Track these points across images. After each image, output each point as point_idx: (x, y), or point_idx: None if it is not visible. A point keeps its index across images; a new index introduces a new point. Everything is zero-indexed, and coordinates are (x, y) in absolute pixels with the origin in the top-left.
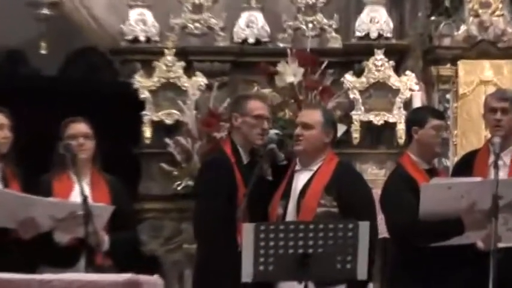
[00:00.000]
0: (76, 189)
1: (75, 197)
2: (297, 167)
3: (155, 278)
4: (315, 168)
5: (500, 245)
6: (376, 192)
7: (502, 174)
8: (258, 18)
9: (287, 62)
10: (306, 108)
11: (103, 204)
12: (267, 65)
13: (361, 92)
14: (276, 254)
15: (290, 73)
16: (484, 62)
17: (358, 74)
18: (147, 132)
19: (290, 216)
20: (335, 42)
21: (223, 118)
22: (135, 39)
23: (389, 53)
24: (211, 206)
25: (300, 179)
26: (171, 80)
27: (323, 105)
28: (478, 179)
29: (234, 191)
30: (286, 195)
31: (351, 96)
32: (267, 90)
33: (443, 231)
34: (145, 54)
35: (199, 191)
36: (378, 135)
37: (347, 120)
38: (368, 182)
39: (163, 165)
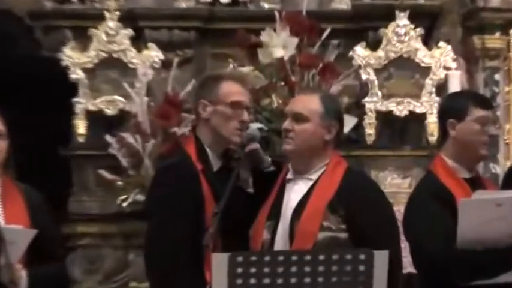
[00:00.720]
0: None
1: None
2: (289, 175)
3: None
4: (314, 177)
5: None
6: (399, 210)
7: None
8: None
9: (274, 30)
10: (299, 93)
11: (19, 227)
12: (247, 33)
13: (377, 72)
14: None
15: (279, 45)
16: None
17: (373, 46)
18: (81, 126)
19: (280, 243)
20: (341, 1)
21: (186, 107)
22: None
23: (416, 17)
24: (168, 231)
25: (294, 192)
26: (114, 55)
27: (324, 89)
28: None
29: (200, 209)
30: (275, 215)
31: (364, 77)
32: (246, 69)
33: (489, 265)
34: (78, 19)
35: (152, 210)
36: (401, 132)
37: (358, 110)
38: (387, 196)
39: (103, 172)
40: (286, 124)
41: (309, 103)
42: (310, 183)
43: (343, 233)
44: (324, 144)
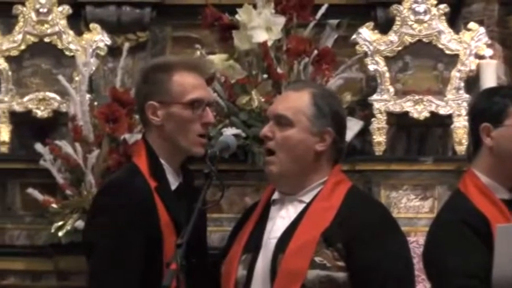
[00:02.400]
0: None
1: None
2: (275, 196)
3: None
4: (307, 199)
5: None
6: (417, 241)
7: None
8: None
9: (254, 6)
10: (287, 88)
11: None
12: (218, 11)
13: (389, 61)
14: None
15: (260, 26)
16: None
17: (384, 27)
18: (4, 132)
19: (258, 282)
20: None
21: None
22: None
23: None
24: (114, 269)
25: (280, 217)
26: (46, 39)
27: (319, 83)
28: None
29: (155, 239)
30: (254, 245)
31: (371, 67)
32: (218, 57)
33: None
34: None
35: (93, 241)
36: (420, 139)
37: (364, 111)
38: (401, 224)
39: (33, 191)
40: (266, 130)
41: (296, 102)
42: (302, 206)
43: (341, 272)
44: (317, 157)
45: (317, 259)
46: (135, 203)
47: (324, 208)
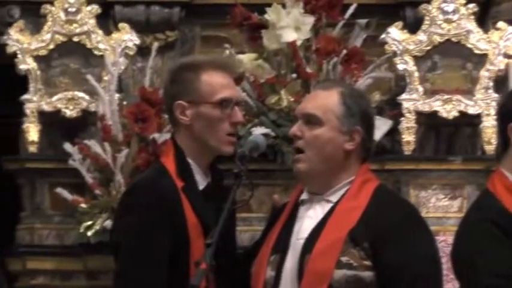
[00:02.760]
0: None
1: None
2: (304, 196)
3: None
4: (334, 198)
5: None
6: (445, 241)
7: None
8: None
9: (283, 6)
10: (315, 87)
11: None
12: (247, 10)
13: (418, 60)
14: None
15: (290, 25)
16: None
17: (413, 27)
18: (32, 132)
19: (287, 282)
20: None
21: None
22: None
23: None
24: (141, 269)
25: (308, 218)
26: (75, 39)
27: (348, 83)
28: None
29: (182, 239)
30: (282, 246)
31: (400, 67)
32: (247, 57)
33: None
34: None
35: (120, 242)
36: (449, 139)
37: (393, 110)
38: (430, 223)
39: (62, 191)
40: (295, 129)
41: (325, 101)
42: (329, 206)
43: (368, 272)
44: (346, 156)
45: (343, 259)
46: (162, 203)
47: (351, 208)
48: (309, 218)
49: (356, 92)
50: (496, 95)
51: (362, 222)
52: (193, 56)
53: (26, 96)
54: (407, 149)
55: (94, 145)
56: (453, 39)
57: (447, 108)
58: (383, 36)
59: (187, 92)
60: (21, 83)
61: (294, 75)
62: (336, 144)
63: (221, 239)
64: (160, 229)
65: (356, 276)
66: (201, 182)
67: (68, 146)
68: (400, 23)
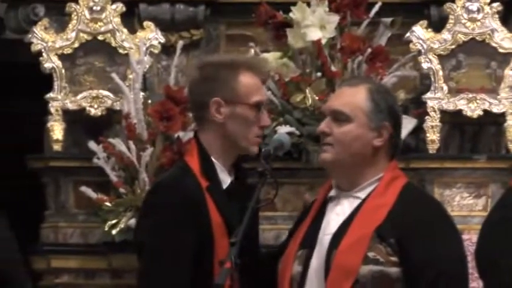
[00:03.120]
0: None
1: None
2: (332, 192)
3: None
4: (362, 195)
5: None
6: (470, 239)
7: None
8: None
9: (308, 4)
10: (342, 85)
11: None
12: (272, 9)
13: (442, 59)
14: None
15: (315, 23)
16: None
17: (437, 26)
18: (57, 131)
19: (313, 278)
20: None
21: None
22: None
23: None
24: (165, 268)
25: (336, 214)
26: (100, 37)
27: (373, 80)
28: None
29: (206, 238)
30: (310, 242)
31: (425, 66)
32: (271, 55)
33: None
34: None
35: (144, 241)
36: (473, 137)
37: (418, 109)
38: (455, 219)
39: (86, 190)
40: (323, 126)
41: (353, 97)
42: (357, 202)
43: (394, 268)
44: (374, 152)
45: (370, 254)
46: (186, 202)
47: (378, 205)
48: (336, 214)
49: (383, 88)
50: None
51: (389, 219)
52: (223, 55)
53: (50, 95)
54: (432, 148)
55: (119, 143)
56: (477, 38)
57: (471, 107)
58: (408, 34)
59: (224, 90)
60: (46, 81)
61: (319, 74)
62: (365, 141)
63: (245, 237)
64: (184, 228)
65: (382, 272)
66: (225, 181)
67: (92, 145)
68: (424, 22)
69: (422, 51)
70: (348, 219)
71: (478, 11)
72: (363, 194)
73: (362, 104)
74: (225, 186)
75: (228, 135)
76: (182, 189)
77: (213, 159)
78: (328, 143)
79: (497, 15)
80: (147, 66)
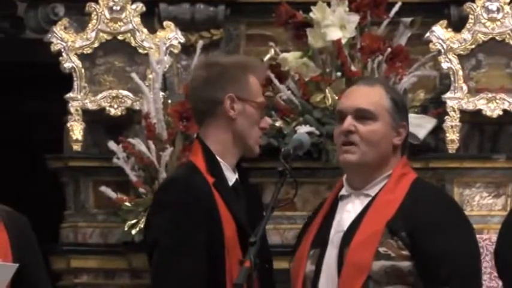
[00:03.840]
0: None
1: None
2: (344, 191)
3: None
4: (372, 192)
5: None
6: (489, 239)
7: None
8: None
9: (328, 4)
10: (358, 83)
11: None
12: (292, 8)
13: (462, 59)
14: None
15: (335, 23)
16: None
17: (457, 25)
18: (76, 130)
19: (327, 276)
20: None
21: None
22: None
23: None
24: (178, 265)
25: (347, 212)
26: (120, 37)
27: (384, 80)
28: None
29: (216, 234)
30: (322, 240)
31: (445, 65)
32: (291, 55)
33: None
34: None
35: (156, 242)
36: (493, 137)
37: (437, 108)
38: (474, 221)
39: (106, 189)
40: (348, 124)
41: (374, 96)
42: (368, 199)
43: (406, 261)
44: (394, 151)
45: (381, 250)
46: (195, 199)
47: (388, 200)
48: (347, 212)
49: (394, 87)
50: None
51: (400, 213)
52: (226, 56)
53: (70, 95)
54: (452, 148)
55: (138, 143)
56: (497, 37)
57: (491, 107)
58: (427, 34)
59: (237, 87)
60: (66, 81)
61: (339, 74)
62: (389, 139)
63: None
64: (197, 225)
65: (394, 267)
66: (230, 179)
67: (112, 144)
68: (444, 22)
69: (442, 51)
70: (359, 216)
71: (498, 10)
72: (373, 191)
73: (385, 103)
74: (230, 183)
75: (237, 131)
76: (192, 186)
77: (217, 157)
78: (353, 142)
79: None
80: (167, 66)
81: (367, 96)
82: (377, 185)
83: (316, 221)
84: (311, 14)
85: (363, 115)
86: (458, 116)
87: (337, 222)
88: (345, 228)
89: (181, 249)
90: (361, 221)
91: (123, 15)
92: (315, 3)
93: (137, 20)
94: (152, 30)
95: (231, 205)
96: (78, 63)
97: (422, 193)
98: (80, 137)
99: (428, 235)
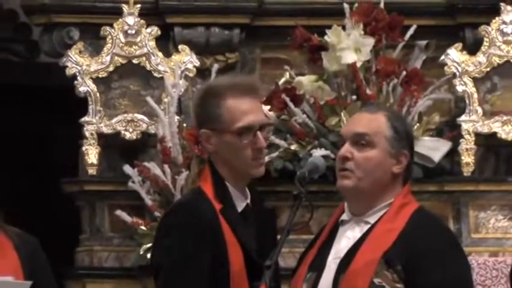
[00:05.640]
0: None
1: None
2: (344, 216)
3: None
4: (372, 220)
5: None
6: (504, 261)
7: None
8: None
9: (343, 28)
10: (361, 110)
11: (10, 279)
12: (307, 32)
13: (477, 82)
14: None
15: (350, 46)
16: None
17: (472, 48)
18: (92, 154)
19: None
20: None
21: None
22: None
23: None
24: None
25: (346, 238)
26: (135, 61)
27: (389, 108)
28: None
29: (220, 260)
30: (319, 264)
31: (460, 88)
32: (306, 78)
33: None
34: (88, 14)
35: (160, 265)
36: (508, 160)
37: (452, 132)
38: (489, 244)
39: (121, 213)
40: (344, 151)
41: (374, 123)
42: (367, 227)
43: None
44: (392, 179)
45: (376, 280)
46: (202, 222)
47: (387, 230)
48: (346, 238)
49: (399, 116)
50: None
51: (397, 244)
52: (218, 79)
53: (85, 119)
54: (467, 170)
55: (154, 167)
56: None
57: (506, 130)
58: (442, 57)
59: (211, 120)
60: (81, 105)
61: (354, 97)
62: (385, 167)
63: (264, 260)
64: (201, 248)
65: None
66: (240, 204)
67: (127, 168)
68: (459, 45)
69: (457, 73)
70: (357, 243)
71: None
72: (372, 219)
73: (384, 130)
74: (239, 209)
75: (224, 162)
76: (197, 210)
77: (225, 182)
78: (348, 168)
79: None
80: (182, 89)
81: (367, 123)
82: (377, 213)
83: (315, 245)
84: (326, 38)
85: (360, 141)
86: (473, 138)
87: (335, 248)
88: (342, 254)
89: (184, 272)
90: (358, 249)
91: (138, 39)
92: (330, 27)
93: (152, 43)
94: (167, 54)
95: (238, 231)
96: (93, 87)
97: (421, 225)
98: (95, 161)
99: (423, 268)
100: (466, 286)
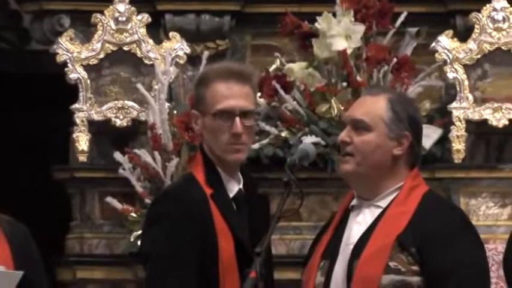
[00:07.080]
0: None
1: None
2: (354, 202)
3: None
4: (383, 204)
5: None
6: (495, 249)
7: None
8: None
9: (334, 14)
10: (364, 93)
11: (1, 268)
12: (298, 19)
13: (468, 69)
14: None
15: (340, 33)
16: None
17: (463, 35)
18: (82, 141)
19: (336, 287)
20: None
21: None
22: None
23: None
24: (169, 278)
25: (357, 223)
26: (125, 48)
27: (398, 89)
28: None
29: (211, 248)
30: (332, 251)
31: (450, 75)
32: (297, 65)
33: None
34: (79, 1)
35: (148, 251)
36: (499, 147)
37: (443, 119)
38: (480, 231)
39: (112, 200)
40: (343, 135)
41: (373, 106)
42: (378, 211)
43: (416, 277)
44: (394, 161)
45: (392, 264)
46: (190, 211)
47: (399, 213)
48: (358, 224)
49: (404, 98)
50: None
51: (410, 227)
52: (215, 65)
53: (76, 106)
54: (457, 158)
55: (144, 154)
56: (503, 47)
57: (497, 117)
58: (433, 44)
59: (198, 101)
60: (71, 92)
61: (345, 84)
62: (385, 150)
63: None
64: (188, 236)
65: (404, 281)
66: (232, 189)
67: (117, 155)
68: (450, 32)
69: (448, 61)
70: (370, 228)
71: (504, 20)
72: (383, 203)
73: (382, 113)
74: (231, 194)
75: (208, 145)
76: (186, 198)
77: (216, 167)
78: (349, 152)
79: None
80: (173, 76)
81: (365, 106)
82: (388, 197)
83: (327, 232)
84: (316, 25)
85: (358, 125)
86: (464, 126)
87: (347, 234)
88: (355, 240)
89: (171, 263)
90: (372, 234)
91: (129, 26)
92: (320, 14)
93: (143, 30)
94: (158, 41)
95: (228, 217)
96: (84, 74)
97: (433, 207)
98: (85, 148)
99: (438, 251)
100: (481, 265)
